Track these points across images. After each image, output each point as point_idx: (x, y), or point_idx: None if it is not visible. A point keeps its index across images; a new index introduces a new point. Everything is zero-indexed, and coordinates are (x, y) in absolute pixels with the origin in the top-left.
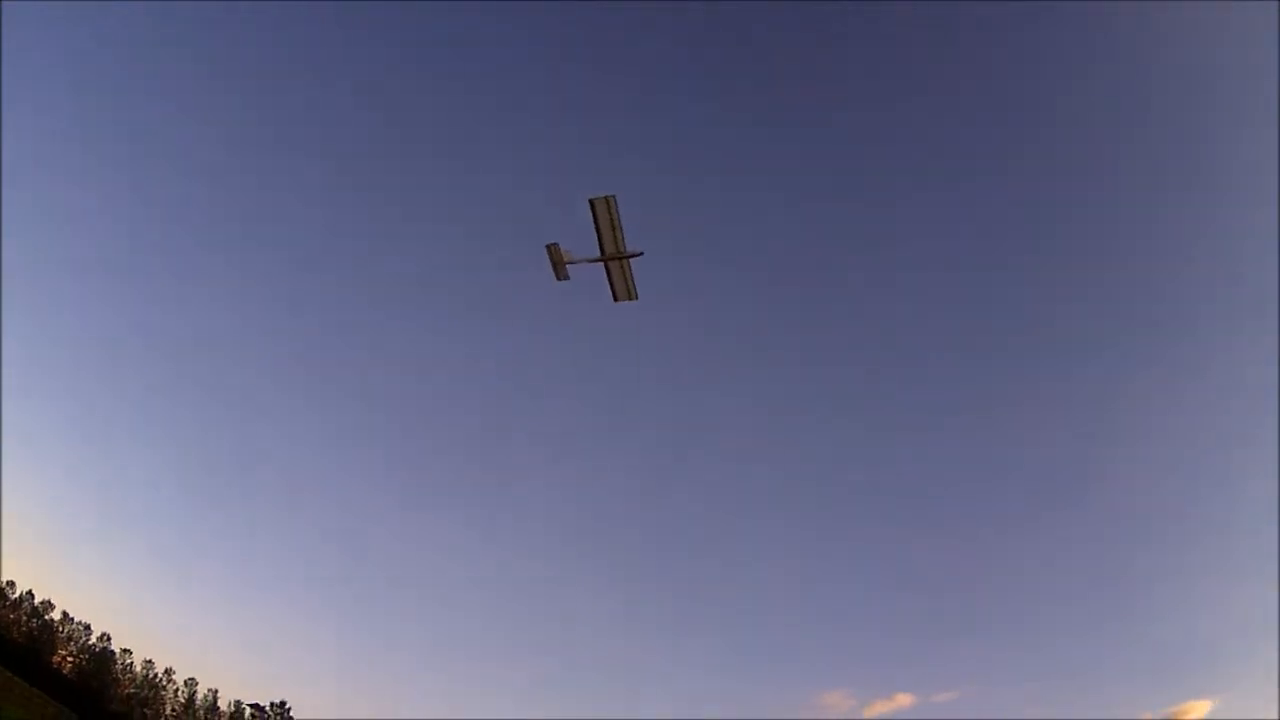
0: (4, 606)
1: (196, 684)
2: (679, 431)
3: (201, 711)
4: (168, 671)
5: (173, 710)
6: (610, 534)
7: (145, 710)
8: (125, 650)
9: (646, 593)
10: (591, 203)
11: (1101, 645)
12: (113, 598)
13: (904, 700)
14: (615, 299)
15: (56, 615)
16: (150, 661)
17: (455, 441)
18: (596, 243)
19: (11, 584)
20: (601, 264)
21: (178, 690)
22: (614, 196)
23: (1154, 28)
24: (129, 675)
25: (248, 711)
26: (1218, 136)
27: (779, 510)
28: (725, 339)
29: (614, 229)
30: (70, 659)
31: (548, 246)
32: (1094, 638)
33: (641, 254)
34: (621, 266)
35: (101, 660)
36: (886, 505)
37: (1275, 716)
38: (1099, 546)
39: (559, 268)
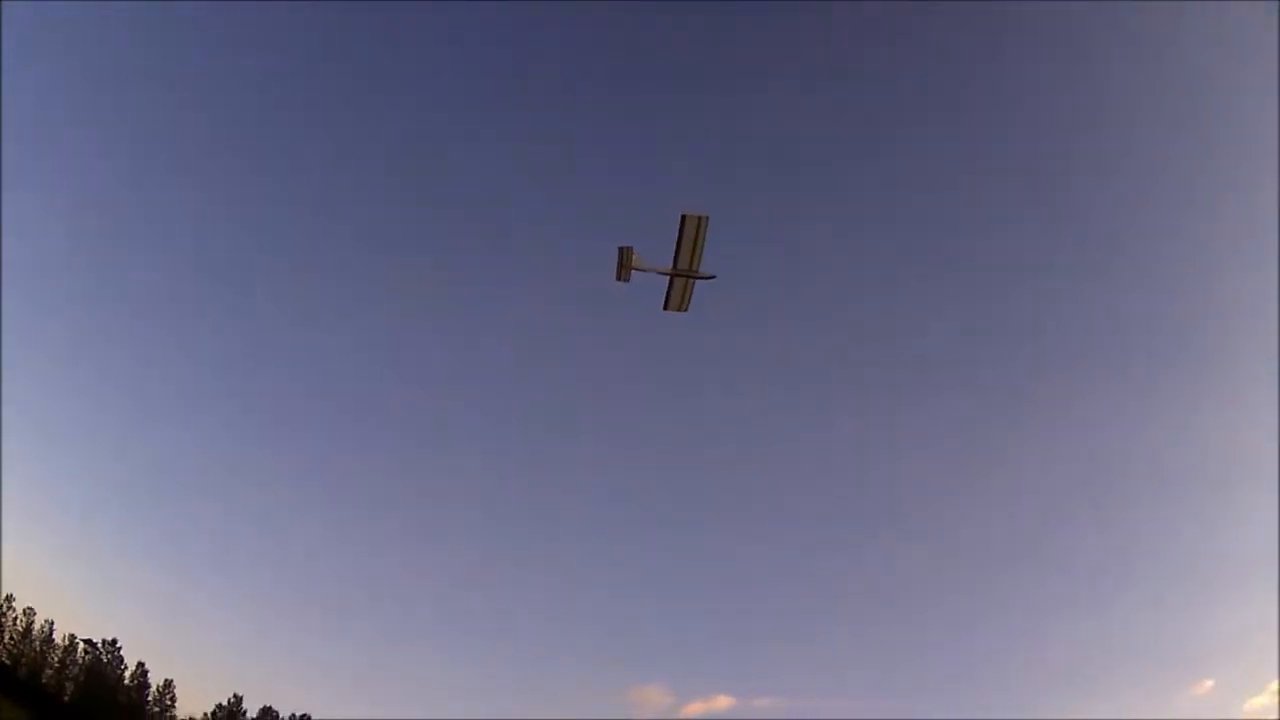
0: None
1: (34, 613)
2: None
3: (37, 643)
4: (8, 599)
5: (11, 638)
6: (421, 523)
7: None
8: None
9: (455, 583)
10: (684, 217)
11: (926, 659)
12: None
13: (723, 702)
14: (665, 307)
15: None
16: None
17: None
18: (673, 255)
19: None
20: (668, 276)
21: (16, 619)
22: (707, 217)
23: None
24: None
25: (81, 646)
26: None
27: (599, 504)
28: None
29: (695, 248)
30: None
31: (621, 248)
32: (921, 651)
33: (714, 278)
34: (686, 283)
35: None
36: (716, 506)
37: None
38: (927, 559)
39: (624, 269)
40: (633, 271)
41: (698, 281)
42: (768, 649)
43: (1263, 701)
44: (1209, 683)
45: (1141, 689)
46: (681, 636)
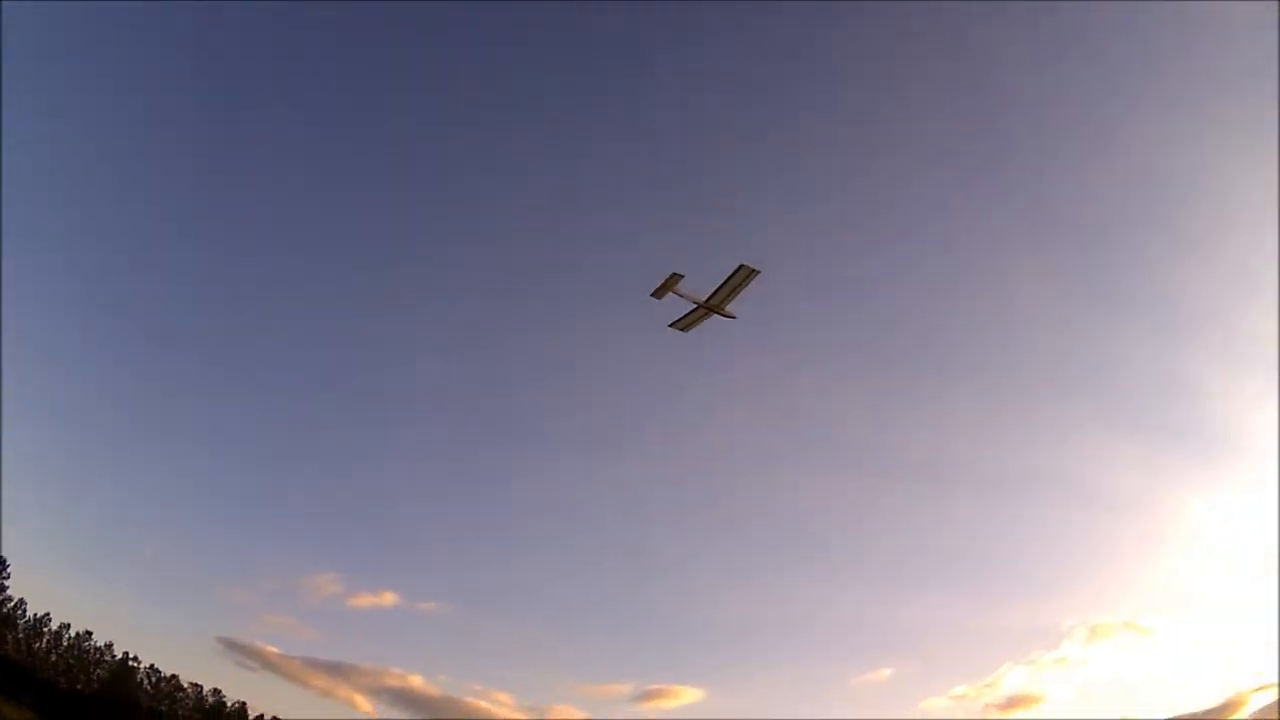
0: None
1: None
2: None
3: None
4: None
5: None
6: None
7: None
8: None
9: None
10: (741, 266)
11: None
12: None
13: (389, 598)
14: (673, 325)
15: None
16: None
17: None
18: (712, 289)
19: None
20: (696, 306)
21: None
22: (759, 272)
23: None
24: None
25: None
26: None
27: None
28: None
29: (734, 292)
30: None
31: (673, 273)
32: (594, 599)
33: (735, 318)
34: (706, 314)
35: None
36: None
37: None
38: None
39: (664, 290)
40: (670, 294)
41: (715, 315)
42: (437, 554)
43: (942, 703)
44: (886, 671)
45: (821, 670)
46: (352, 531)
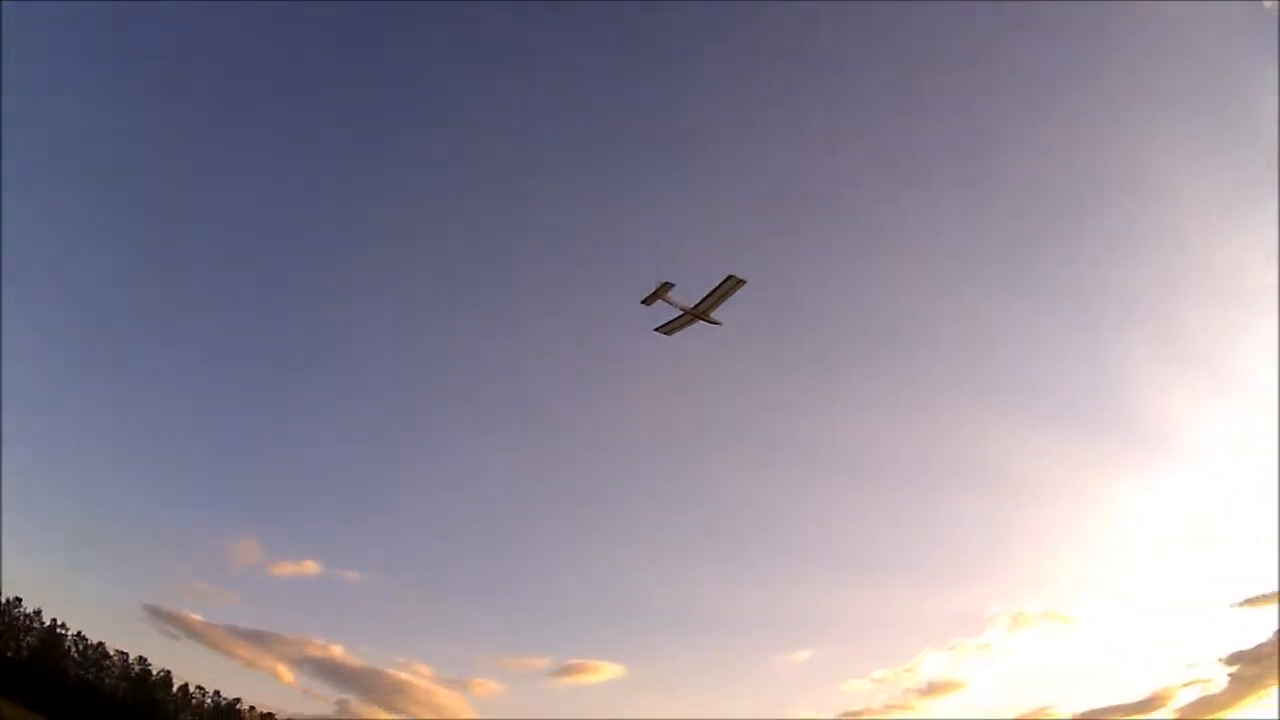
0: None
1: None
2: None
3: None
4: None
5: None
6: None
7: None
8: None
9: None
10: (729, 276)
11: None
12: None
13: (311, 567)
14: (659, 329)
15: None
16: None
17: None
18: (700, 298)
19: None
20: (683, 312)
21: None
22: (745, 282)
23: None
24: None
25: None
26: None
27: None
28: None
29: (720, 300)
30: None
31: (664, 281)
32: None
33: (720, 324)
34: (692, 320)
35: None
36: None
37: None
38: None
39: (655, 298)
40: (659, 301)
41: (700, 321)
42: (360, 523)
43: (863, 686)
44: (805, 653)
45: (740, 649)
46: (275, 498)
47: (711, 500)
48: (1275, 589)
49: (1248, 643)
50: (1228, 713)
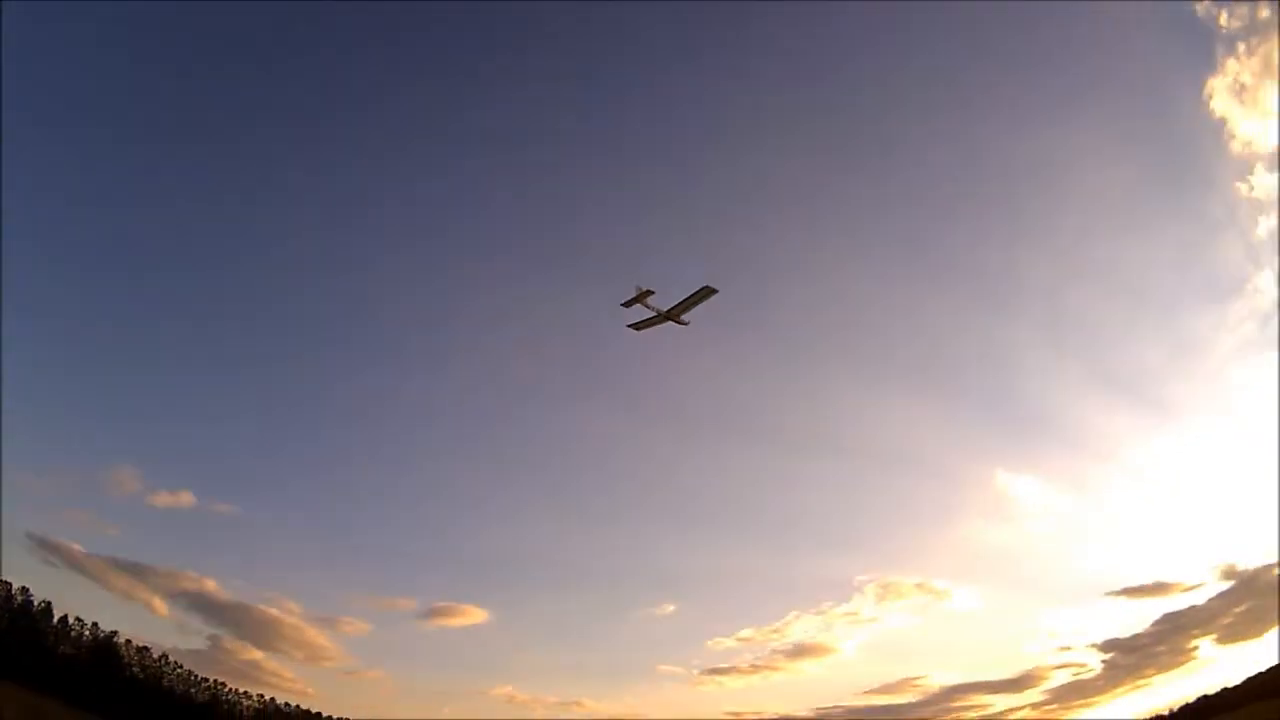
0: None
1: None
2: None
3: None
4: None
5: None
6: None
7: None
8: None
9: None
10: (706, 285)
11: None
12: None
13: (187, 498)
14: (630, 325)
15: None
16: None
17: None
18: (675, 302)
19: None
20: (658, 314)
21: None
22: (717, 291)
23: None
24: None
25: None
26: None
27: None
28: None
29: (692, 306)
30: None
31: (645, 289)
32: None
33: (688, 325)
34: (663, 321)
35: None
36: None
37: None
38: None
39: (634, 301)
40: (637, 304)
41: (669, 322)
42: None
43: (728, 644)
44: (670, 607)
45: (606, 600)
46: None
47: (584, 453)
48: (1153, 580)
49: (1123, 631)
50: (1100, 699)
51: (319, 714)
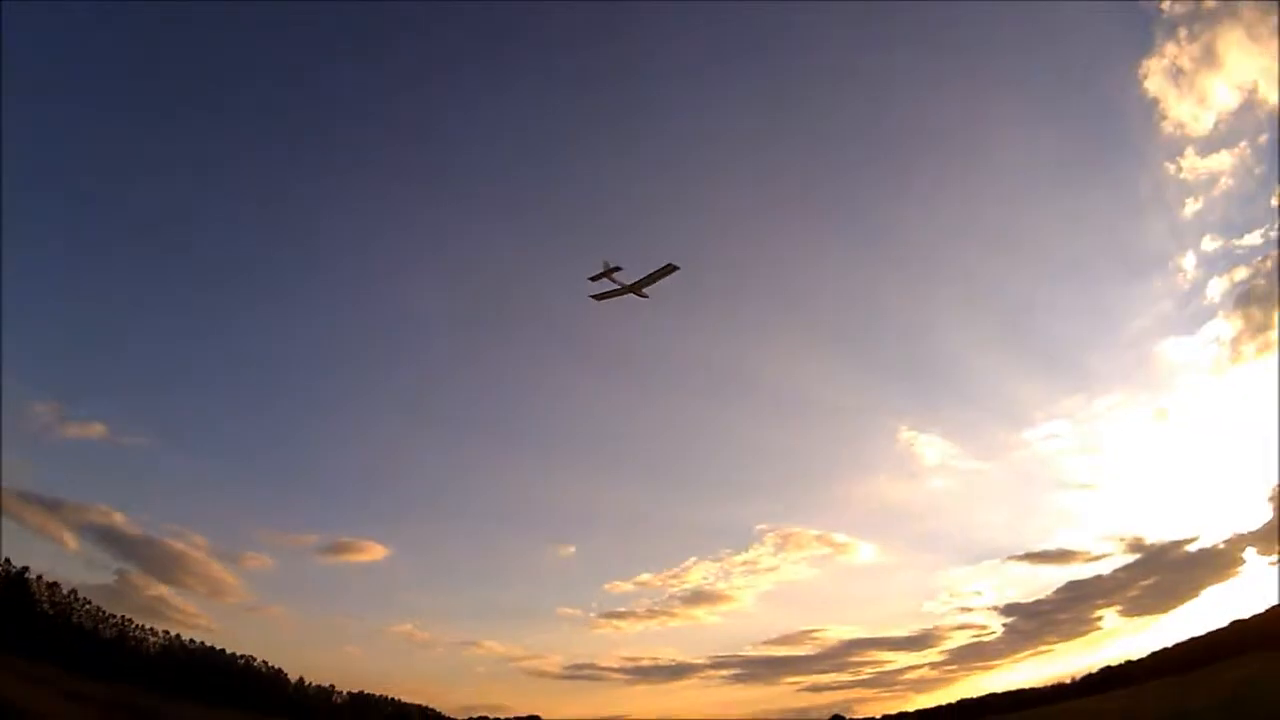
0: None
1: None
2: None
3: None
4: None
5: None
6: None
7: None
8: None
9: None
10: (669, 264)
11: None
12: None
13: (98, 429)
14: (592, 296)
15: None
16: None
17: None
18: (638, 278)
19: None
20: (621, 288)
21: None
22: (679, 268)
23: None
24: None
25: None
26: None
27: None
28: None
29: (654, 281)
30: None
31: (615, 266)
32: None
33: (648, 298)
34: (626, 294)
35: None
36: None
37: None
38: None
39: (602, 276)
40: (604, 279)
41: (630, 295)
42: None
43: (627, 588)
44: (571, 548)
45: (505, 539)
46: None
47: (491, 394)
48: (1057, 548)
49: (1025, 597)
50: (1000, 663)
51: (222, 650)
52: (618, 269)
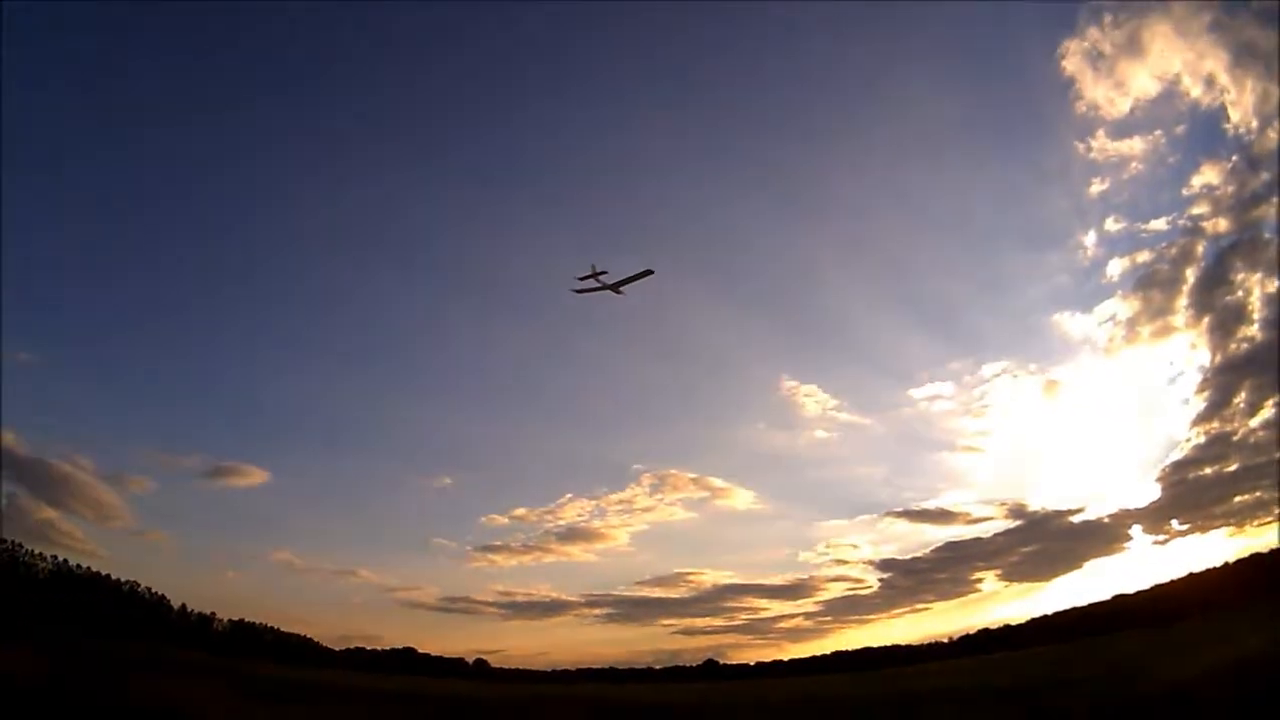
0: None
1: None
2: None
3: None
4: None
5: None
6: None
7: None
8: None
9: None
10: (647, 269)
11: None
12: None
13: (25, 359)
14: (574, 290)
15: None
16: None
17: None
18: (618, 279)
19: None
20: (603, 286)
21: None
22: (653, 272)
23: None
24: None
25: None
26: None
27: None
28: None
29: (632, 282)
30: None
31: (600, 271)
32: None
33: (624, 295)
34: (605, 291)
35: None
36: None
37: None
38: None
39: (589, 277)
40: (589, 279)
41: (607, 290)
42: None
43: (502, 521)
44: (447, 479)
45: (382, 468)
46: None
47: (373, 320)
48: (937, 506)
49: (902, 554)
50: (876, 618)
51: (108, 576)
52: (603, 272)
